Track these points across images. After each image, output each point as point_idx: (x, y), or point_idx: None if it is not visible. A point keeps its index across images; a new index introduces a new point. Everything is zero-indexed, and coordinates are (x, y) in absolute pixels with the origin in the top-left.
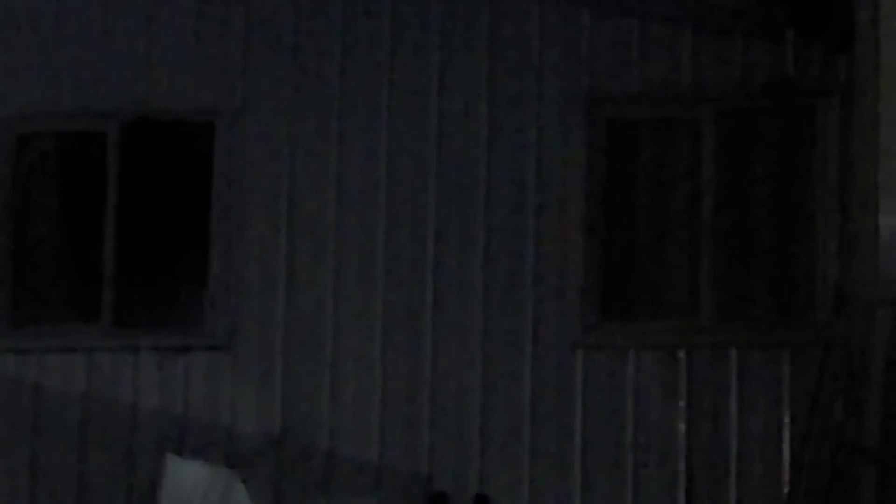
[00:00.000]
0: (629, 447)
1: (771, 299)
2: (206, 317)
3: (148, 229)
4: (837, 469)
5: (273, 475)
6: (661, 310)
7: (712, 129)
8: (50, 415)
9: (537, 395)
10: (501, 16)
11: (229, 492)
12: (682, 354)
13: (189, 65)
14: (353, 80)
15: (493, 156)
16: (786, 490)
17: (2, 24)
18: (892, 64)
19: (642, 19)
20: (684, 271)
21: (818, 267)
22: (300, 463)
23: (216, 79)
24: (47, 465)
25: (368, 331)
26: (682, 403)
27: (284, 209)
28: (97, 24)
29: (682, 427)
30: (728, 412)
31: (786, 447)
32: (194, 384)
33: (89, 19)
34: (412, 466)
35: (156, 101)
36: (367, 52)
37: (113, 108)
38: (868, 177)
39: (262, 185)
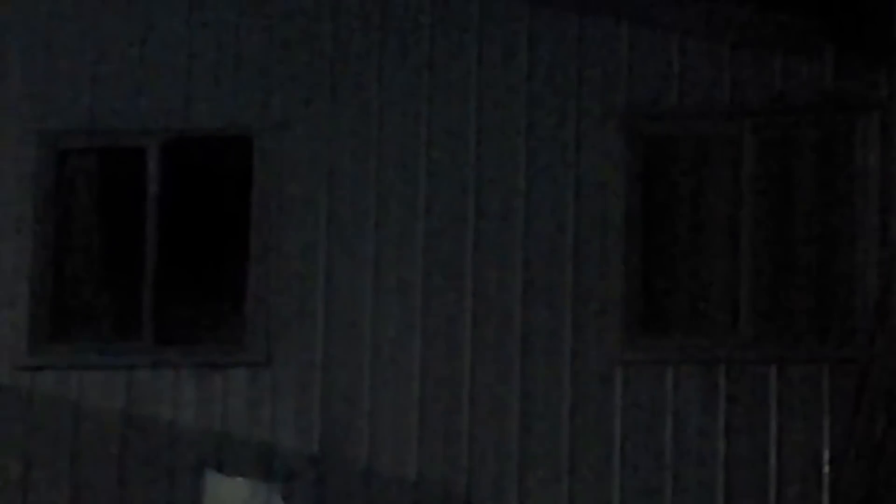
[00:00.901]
0: (668, 463)
1: (811, 314)
2: (245, 333)
3: (187, 245)
4: (877, 484)
5: (312, 491)
6: (701, 325)
7: (752, 145)
8: (90, 431)
9: (577, 411)
10: (540, 31)
11: None
12: (721, 370)
13: (228, 80)
14: (391, 95)
15: (531, 170)
16: None
17: (43, 40)
18: None
19: (681, 35)
20: (724, 287)
21: (858, 281)
22: (339, 479)
23: (255, 94)
24: (87, 481)
25: (407, 347)
26: (721, 419)
27: (323, 224)
28: (137, 39)
29: (721, 443)
30: (768, 427)
31: (826, 462)
32: (233, 401)
33: (129, 35)
34: (451, 482)
35: (195, 116)
36: (405, 67)
37: (152, 124)
38: None
39: (300, 200)
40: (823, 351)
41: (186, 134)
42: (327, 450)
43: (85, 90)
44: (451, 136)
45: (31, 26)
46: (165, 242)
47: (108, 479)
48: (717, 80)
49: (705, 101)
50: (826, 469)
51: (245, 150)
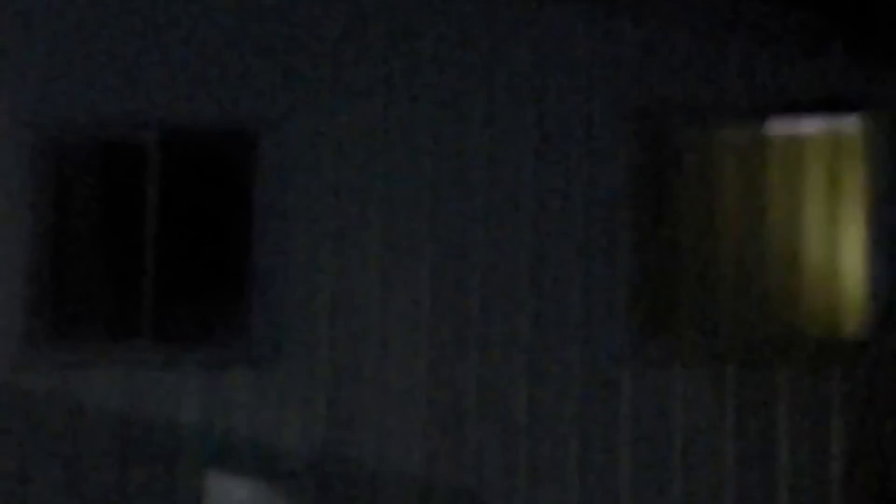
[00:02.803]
0: (677, 463)
1: (820, 316)
2: (248, 332)
3: (189, 242)
4: (887, 486)
5: (317, 492)
6: (710, 326)
7: (759, 142)
8: (90, 431)
9: (584, 412)
10: (548, 29)
11: None
12: (730, 371)
13: (230, 74)
14: (396, 89)
15: (539, 169)
16: None
17: (41, 32)
18: None
19: (691, 34)
20: (732, 287)
21: (867, 283)
22: (344, 478)
23: (257, 88)
24: (88, 481)
25: (414, 345)
26: (730, 420)
27: (328, 220)
28: (137, 32)
29: (730, 444)
30: (777, 429)
31: (835, 464)
32: (237, 399)
33: (130, 28)
34: (458, 483)
35: (196, 110)
36: (410, 60)
37: (152, 118)
38: None
39: (305, 195)
40: (833, 352)
41: (187, 128)
42: (332, 449)
43: (83, 84)
44: (458, 133)
45: (28, 20)
46: (166, 238)
47: (109, 480)
48: (727, 78)
49: (715, 99)
50: (835, 470)
51: (247, 145)
